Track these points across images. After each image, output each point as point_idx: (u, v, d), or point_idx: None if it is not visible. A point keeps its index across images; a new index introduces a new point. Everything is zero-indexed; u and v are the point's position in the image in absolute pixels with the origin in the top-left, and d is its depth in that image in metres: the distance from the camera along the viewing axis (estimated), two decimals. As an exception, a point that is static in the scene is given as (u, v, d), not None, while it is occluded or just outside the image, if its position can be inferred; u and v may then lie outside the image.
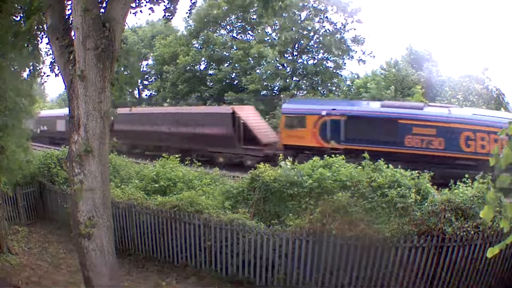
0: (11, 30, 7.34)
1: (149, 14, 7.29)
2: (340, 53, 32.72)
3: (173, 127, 23.08)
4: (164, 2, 7.17)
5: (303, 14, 32.52)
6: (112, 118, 5.66)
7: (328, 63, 34.11)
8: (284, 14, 28.90)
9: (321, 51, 33.73)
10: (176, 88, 35.26)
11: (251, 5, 8.65)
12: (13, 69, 9.03)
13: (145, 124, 24.79)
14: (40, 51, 7.93)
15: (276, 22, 32.02)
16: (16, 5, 7.39)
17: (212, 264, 9.39)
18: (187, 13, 7.95)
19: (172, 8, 7.26)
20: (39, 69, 8.26)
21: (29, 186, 13.55)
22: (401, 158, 13.63)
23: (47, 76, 8.08)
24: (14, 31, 7.30)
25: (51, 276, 9.22)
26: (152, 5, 7.13)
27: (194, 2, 7.80)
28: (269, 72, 31.36)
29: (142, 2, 7.18)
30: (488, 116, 15.15)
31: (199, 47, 35.37)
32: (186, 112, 24.60)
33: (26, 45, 7.51)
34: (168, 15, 7.36)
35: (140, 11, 7.20)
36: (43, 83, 8.33)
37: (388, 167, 9.96)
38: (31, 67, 8.51)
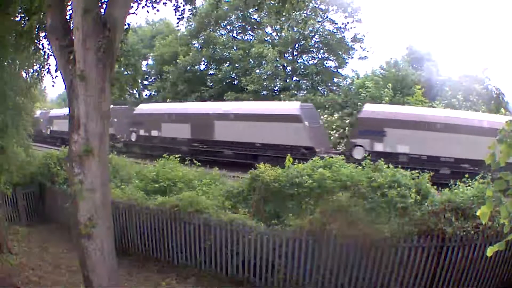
0: (14, 30, 7.34)
1: (154, 13, 7.28)
2: (341, 53, 32.76)
3: None
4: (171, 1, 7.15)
5: (304, 14, 32.53)
6: None
7: (328, 62, 34.17)
8: (285, 14, 28.77)
9: (322, 50, 33.76)
10: (176, 88, 35.25)
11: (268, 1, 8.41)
12: (15, 68, 9.03)
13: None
14: (44, 51, 7.91)
15: (277, 22, 32.01)
16: (17, 5, 7.39)
17: (212, 264, 9.39)
18: (190, 11, 7.86)
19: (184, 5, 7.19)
20: (46, 69, 8.21)
21: (29, 186, 13.55)
22: None
23: (56, 76, 7.96)
24: (17, 31, 7.30)
25: (51, 276, 9.21)
26: (156, 4, 7.11)
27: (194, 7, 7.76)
28: (269, 72, 31.34)
29: (145, 1, 7.17)
30: None
31: (199, 47, 35.36)
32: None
33: (28, 45, 7.50)
34: (179, 15, 7.31)
35: (147, 11, 7.19)
36: (53, 84, 8.21)
37: None
38: (37, 67, 8.50)
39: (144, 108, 28.83)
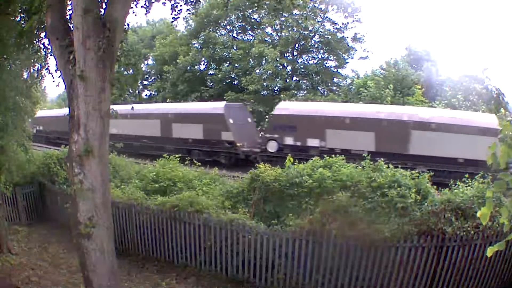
0: (15, 30, 7.33)
1: (145, 14, 7.25)
2: (341, 52, 32.80)
3: None
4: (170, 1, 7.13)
5: (304, 14, 32.54)
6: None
7: (328, 62, 34.22)
8: (285, 14, 28.81)
9: (322, 50, 33.80)
10: (176, 88, 35.28)
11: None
12: (15, 68, 9.02)
13: None
14: (44, 51, 7.89)
15: (277, 22, 32.06)
16: (17, 5, 7.39)
17: (212, 264, 9.39)
18: (188, 11, 7.84)
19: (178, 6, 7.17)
20: (46, 69, 8.19)
21: (29, 186, 13.54)
22: None
23: (58, 76, 7.92)
24: (17, 31, 7.29)
25: (51, 276, 9.21)
26: (150, 3, 7.09)
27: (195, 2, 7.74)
28: (269, 72, 31.36)
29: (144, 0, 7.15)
30: None
31: (199, 47, 35.39)
32: None
33: (29, 45, 7.49)
34: (175, 15, 7.31)
35: (147, 11, 7.17)
36: (56, 84, 8.14)
37: None
38: (38, 67, 8.48)
39: (290, 107, 22.03)
